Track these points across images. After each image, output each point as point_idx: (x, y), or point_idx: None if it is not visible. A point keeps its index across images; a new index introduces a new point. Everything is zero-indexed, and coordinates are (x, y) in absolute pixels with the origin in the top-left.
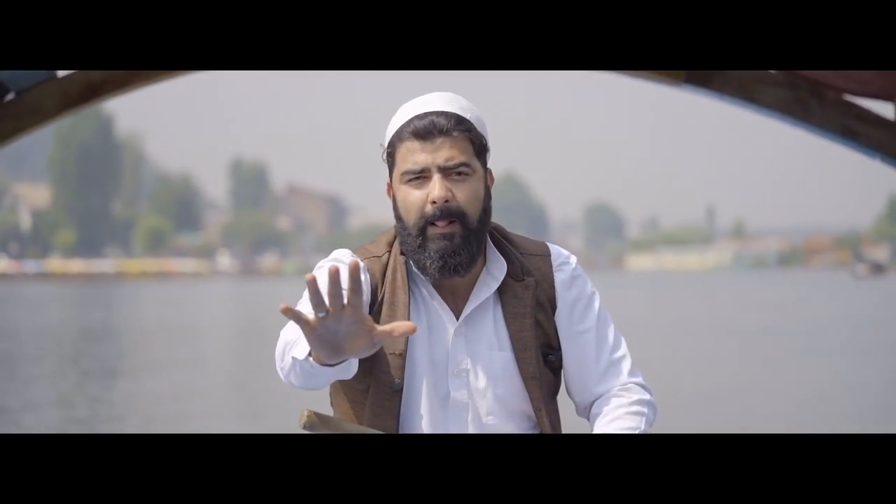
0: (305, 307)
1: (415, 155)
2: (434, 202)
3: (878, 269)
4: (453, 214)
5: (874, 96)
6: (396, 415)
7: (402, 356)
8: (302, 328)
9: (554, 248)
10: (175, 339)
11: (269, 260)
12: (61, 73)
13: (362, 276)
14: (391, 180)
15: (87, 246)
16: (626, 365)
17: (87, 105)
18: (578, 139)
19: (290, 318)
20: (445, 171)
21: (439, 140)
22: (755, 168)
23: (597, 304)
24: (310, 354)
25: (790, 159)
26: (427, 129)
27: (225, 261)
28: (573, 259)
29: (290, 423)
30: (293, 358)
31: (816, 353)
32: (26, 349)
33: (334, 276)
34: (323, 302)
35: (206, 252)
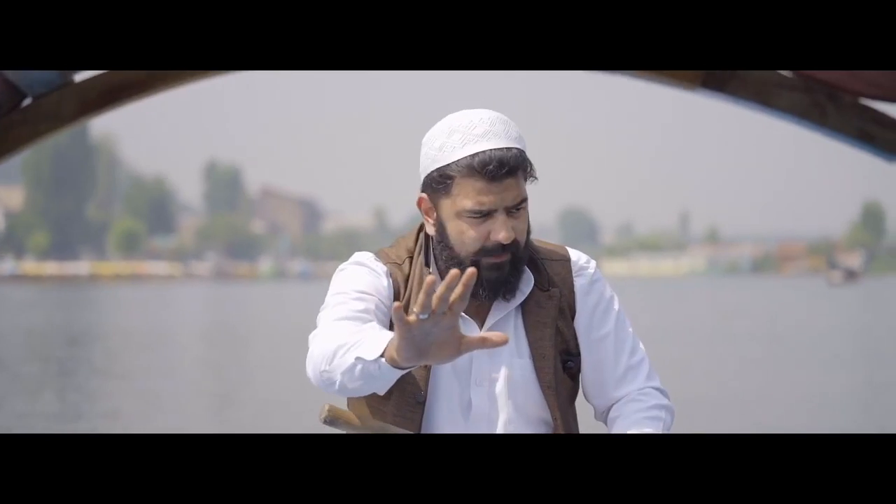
0: (343, 317)
1: (481, 195)
2: (500, 241)
3: (851, 275)
4: (512, 248)
5: (890, 99)
6: (419, 425)
7: (428, 368)
8: (399, 327)
9: (573, 253)
10: (150, 342)
11: (243, 263)
12: (78, 78)
13: (385, 281)
14: (435, 201)
15: (61, 248)
16: (644, 369)
17: (106, 110)
18: (553, 144)
19: (398, 315)
20: (509, 210)
21: (507, 181)
22: (729, 174)
23: (615, 308)
24: (381, 356)
25: (764, 165)
26: (495, 171)
27: (205, 263)
28: (592, 263)
29: (264, 425)
30: (357, 358)
31: (791, 360)
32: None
33: (451, 280)
34: (430, 304)
35: (180, 255)
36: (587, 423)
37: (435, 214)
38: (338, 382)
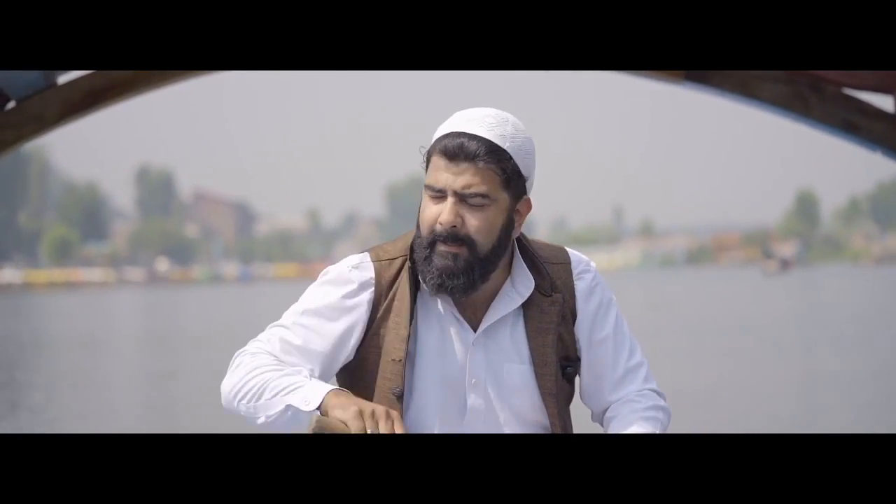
0: (280, 351)
1: (438, 172)
2: (441, 224)
3: (785, 265)
4: (459, 239)
5: (873, 90)
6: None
7: (402, 362)
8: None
9: (574, 256)
10: (85, 350)
11: (176, 268)
12: (62, 81)
13: (362, 295)
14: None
15: None
16: (642, 372)
17: (89, 112)
18: None
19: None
20: (461, 197)
21: (463, 165)
22: (662, 167)
23: (614, 311)
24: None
25: (697, 157)
26: (454, 151)
27: (139, 269)
28: (592, 266)
29: (201, 429)
30: (289, 406)
31: (727, 350)
32: None
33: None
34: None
35: (114, 261)
36: (582, 426)
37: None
38: (261, 419)
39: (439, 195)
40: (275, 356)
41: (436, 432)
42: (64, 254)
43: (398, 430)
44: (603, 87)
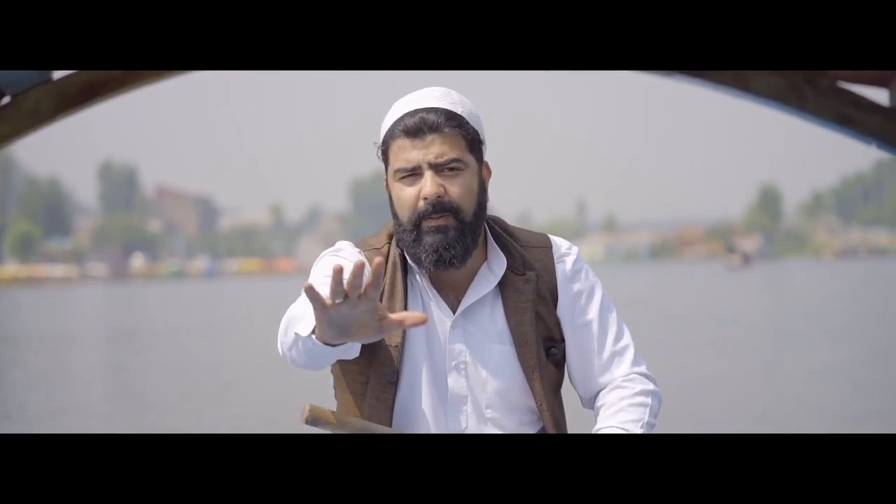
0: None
1: (406, 152)
2: (426, 198)
3: (747, 259)
4: (446, 209)
5: (869, 83)
6: (391, 406)
7: (399, 348)
8: (315, 309)
9: (555, 240)
10: (50, 346)
11: (138, 263)
12: (57, 76)
13: (366, 270)
14: (386, 177)
15: None
16: (630, 355)
17: (85, 106)
18: None
19: (310, 296)
20: (437, 168)
21: (430, 137)
22: (625, 161)
23: (599, 295)
24: (313, 332)
25: (660, 151)
26: (417, 126)
27: (102, 265)
28: (575, 250)
29: (173, 428)
30: (296, 334)
31: (691, 344)
32: None
33: (357, 269)
34: (342, 290)
35: (77, 257)
36: (572, 413)
37: (387, 188)
38: (289, 358)
39: (412, 174)
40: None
41: (419, 415)
42: (26, 249)
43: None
44: (567, 80)
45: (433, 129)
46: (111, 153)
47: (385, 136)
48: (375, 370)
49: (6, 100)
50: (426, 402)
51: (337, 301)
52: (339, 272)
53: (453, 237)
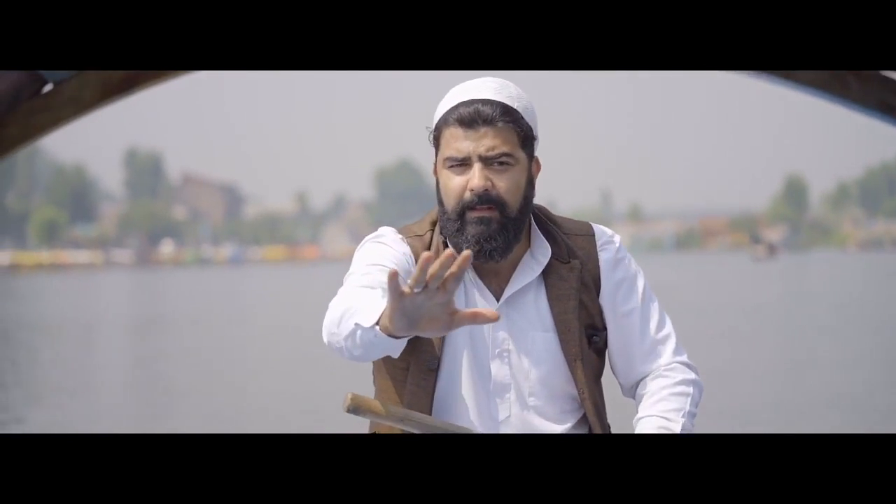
0: (360, 285)
1: (458, 142)
2: (472, 190)
3: (773, 250)
4: (492, 202)
5: None
6: (431, 393)
7: (442, 336)
8: (391, 296)
9: (598, 228)
10: (75, 332)
11: (165, 250)
12: None
13: (407, 256)
14: (436, 162)
15: None
16: (671, 344)
17: (127, 95)
18: None
19: (391, 284)
20: (486, 161)
21: (483, 129)
22: (650, 150)
23: (641, 284)
24: (376, 324)
25: (685, 141)
26: (471, 117)
27: (127, 251)
28: (617, 238)
29: (193, 423)
30: (356, 324)
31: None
32: None
33: (446, 259)
34: (424, 279)
35: (102, 243)
36: (612, 401)
37: (435, 173)
38: (344, 348)
39: (462, 164)
40: (358, 291)
41: (461, 402)
42: (52, 235)
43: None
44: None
45: (487, 121)
46: (137, 140)
47: (438, 123)
48: (416, 357)
49: (48, 87)
50: (468, 389)
51: (416, 290)
52: (426, 260)
53: (495, 230)
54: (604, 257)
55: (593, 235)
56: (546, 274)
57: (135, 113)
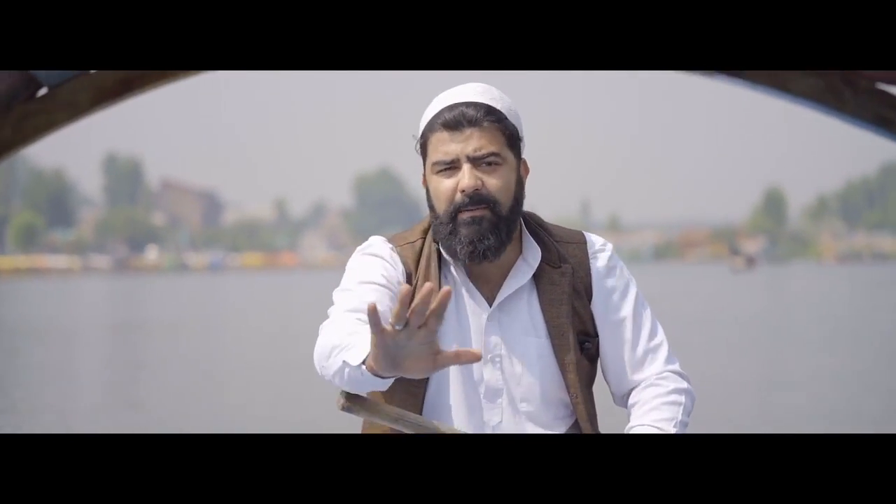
0: (351, 309)
1: (445, 145)
2: (463, 191)
3: (750, 261)
4: (483, 201)
5: None
6: (421, 399)
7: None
8: (375, 335)
9: (590, 237)
10: (52, 337)
11: (143, 256)
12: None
13: (397, 267)
14: (424, 170)
15: None
16: (663, 353)
17: (121, 99)
18: None
19: (371, 319)
20: (475, 161)
21: (469, 130)
22: (630, 161)
23: (633, 292)
24: (363, 362)
25: (666, 152)
26: (457, 119)
27: (104, 257)
28: (609, 247)
29: (175, 424)
30: (344, 362)
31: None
32: None
33: (426, 295)
34: (405, 316)
35: (80, 248)
36: (603, 408)
37: (425, 183)
38: (334, 381)
39: (450, 167)
40: (348, 316)
41: (453, 408)
42: (30, 240)
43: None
44: (571, 79)
45: (472, 122)
46: (116, 146)
47: (424, 130)
48: None
49: (43, 91)
50: (459, 395)
51: (397, 327)
52: (406, 295)
53: (487, 228)
54: (595, 265)
55: (585, 243)
56: (538, 279)
57: (114, 118)
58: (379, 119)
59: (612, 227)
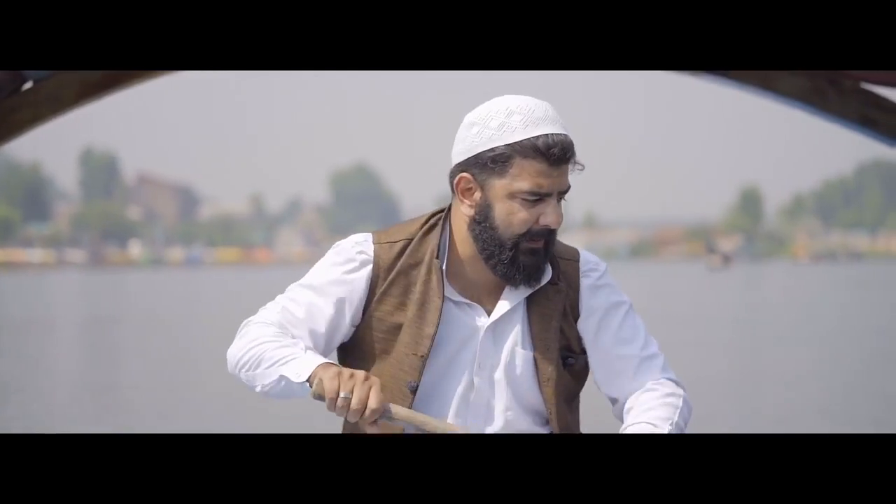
0: (283, 322)
1: (541, 177)
2: (547, 225)
3: (726, 259)
4: (552, 235)
5: (892, 85)
6: (410, 405)
7: (423, 358)
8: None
9: (584, 254)
10: (28, 331)
11: (119, 251)
12: None
13: (358, 285)
14: (484, 181)
15: None
16: (658, 363)
17: (107, 94)
18: (430, 130)
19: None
20: (559, 196)
21: (564, 167)
22: (607, 159)
23: (624, 309)
24: (308, 380)
25: (642, 150)
26: (559, 155)
27: (80, 251)
28: (602, 266)
29: (151, 418)
30: (282, 376)
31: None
32: None
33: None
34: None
35: (55, 242)
36: (590, 422)
37: (478, 195)
38: (258, 388)
39: (539, 199)
40: (279, 326)
41: (440, 417)
42: (5, 234)
43: (373, 397)
44: (547, 77)
45: (567, 160)
46: (93, 140)
47: (512, 146)
48: (395, 377)
49: (28, 85)
50: (450, 403)
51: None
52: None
53: (542, 259)
54: (584, 283)
55: (578, 261)
56: (534, 293)
57: (91, 112)
58: (355, 115)
59: (588, 225)
